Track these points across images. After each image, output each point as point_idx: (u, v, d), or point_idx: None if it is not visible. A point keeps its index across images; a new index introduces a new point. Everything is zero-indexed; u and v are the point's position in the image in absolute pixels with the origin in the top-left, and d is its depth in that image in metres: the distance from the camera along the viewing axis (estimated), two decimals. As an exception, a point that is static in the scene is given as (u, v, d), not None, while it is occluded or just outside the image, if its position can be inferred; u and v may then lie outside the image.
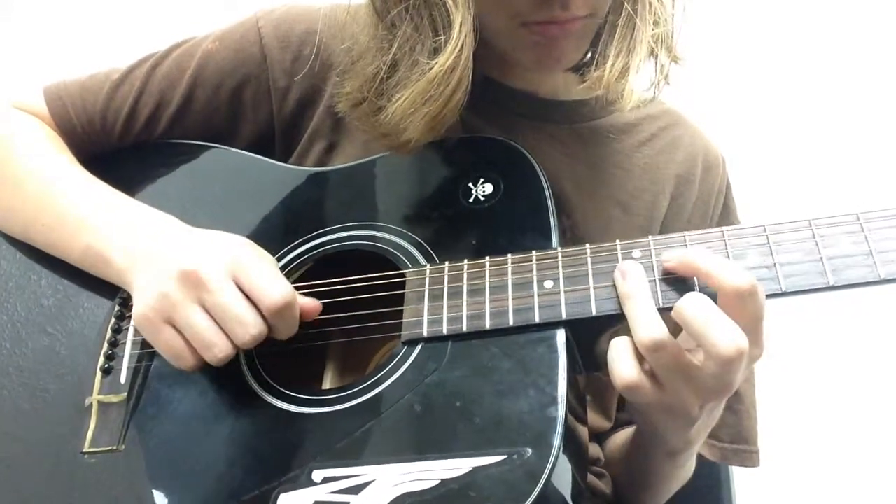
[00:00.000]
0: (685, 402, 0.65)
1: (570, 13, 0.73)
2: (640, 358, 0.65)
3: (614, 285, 0.67)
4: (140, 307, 0.71)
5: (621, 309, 0.66)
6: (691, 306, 0.62)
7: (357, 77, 0.80)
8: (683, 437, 0.72)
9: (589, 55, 0.83)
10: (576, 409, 0.71)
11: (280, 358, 0.74)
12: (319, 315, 0.74)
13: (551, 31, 0.75)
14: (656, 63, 0.79)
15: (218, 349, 0.68)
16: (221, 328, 0.69)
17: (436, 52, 0.73)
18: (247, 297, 0.69)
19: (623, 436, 0.92)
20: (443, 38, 0.72)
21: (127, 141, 0.91)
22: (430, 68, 0.72)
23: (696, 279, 0.66)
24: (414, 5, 0.73)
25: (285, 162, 0.89)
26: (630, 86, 0.77)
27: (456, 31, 0.71)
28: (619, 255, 0.69)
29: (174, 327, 0.70)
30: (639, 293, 0.65)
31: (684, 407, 0.66)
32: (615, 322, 0.68)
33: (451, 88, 0.73)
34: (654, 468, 0.83)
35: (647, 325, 0.63)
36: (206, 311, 0.69)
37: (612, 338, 0.71)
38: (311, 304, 0.74)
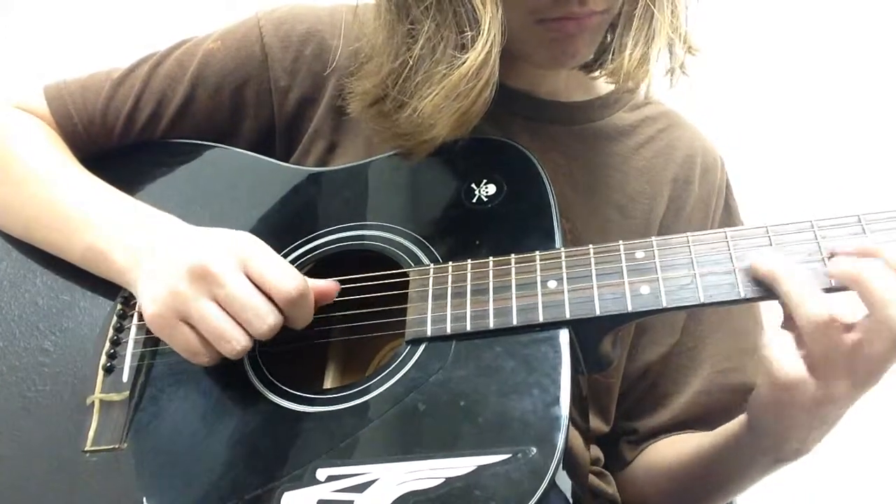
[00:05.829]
0: (834, 391, 0.63)
1: (588, 8, 0.74)
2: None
3: (617, 285, 0.67)
4: (152, 307, 0.71)
5: (624, 309, 0.66)
6: (880, 273, 0.60)
7: (370, 76, 0.80)
8: (805, 438, 0.69)
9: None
10: (578, 409, 0.71)
11: (282, 357, 0.74)
12: (322, 314, 0.74)
13: (568, 28, 0.75)
14: (671, 54, 0.79)
15: (235, 341, 0.68)
16: (236, 321, 0.69)
17: (462, 48, 0.73)
18: (259, 288, 0.69)
19: (684, 446, 0.86)
20: (469, 34, 0.72)
21: (128, 140, 0.91)
22: (462, 63, 0.72)
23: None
24: (436, 2, 0.73)
25: (286, 161, 0.89)
26: (650, 74, 0.77)
27: (486, 27, 0.71)
28: (623, 256, 0.69)
29: (188, 324, 0.69)
30: (795, 270, 0.63)
31: (831, 397, 0.63)
32: (618, 323, 0.68)
33: (481, 85, 0.73)
34: (747, 477, 0.80)
35: (817, 302, 0.61)
36: (219, 305, 0.69)
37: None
38: (326, 286, 0.73)
